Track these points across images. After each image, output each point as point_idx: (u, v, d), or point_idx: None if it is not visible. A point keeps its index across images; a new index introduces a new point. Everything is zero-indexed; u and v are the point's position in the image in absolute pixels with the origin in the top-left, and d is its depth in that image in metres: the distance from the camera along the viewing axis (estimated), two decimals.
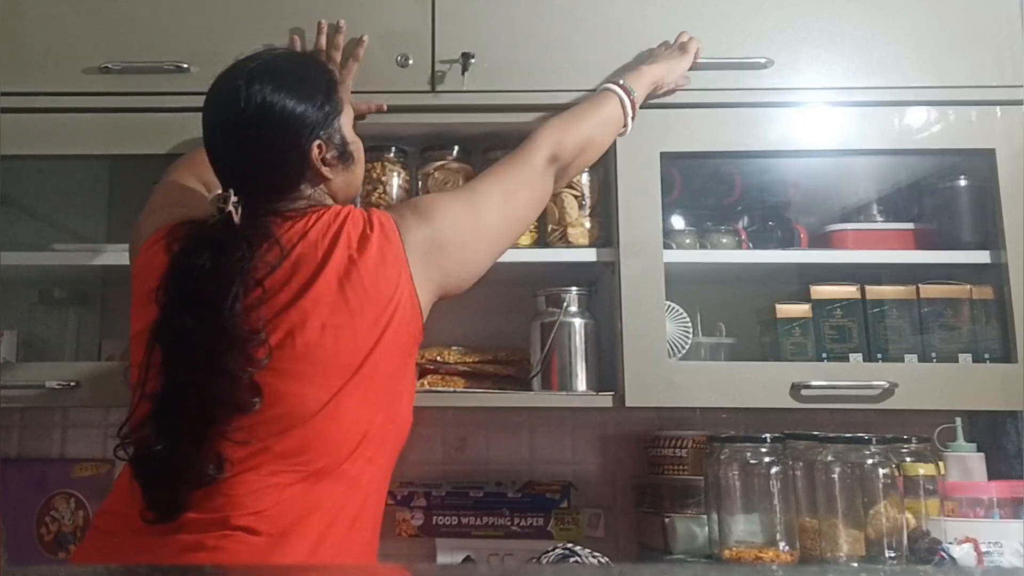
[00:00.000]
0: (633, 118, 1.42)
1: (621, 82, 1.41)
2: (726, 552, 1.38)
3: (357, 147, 1.21)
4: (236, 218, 1.07)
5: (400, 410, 1.12)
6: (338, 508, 1.03)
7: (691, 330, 1.56)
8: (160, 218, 1.18)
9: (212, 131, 1.14)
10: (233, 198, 1.07)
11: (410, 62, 1.51)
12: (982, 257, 1.50)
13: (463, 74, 1.49)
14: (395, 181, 1.58)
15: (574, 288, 1.55)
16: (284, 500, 0.99)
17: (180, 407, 1.00)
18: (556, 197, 1.57)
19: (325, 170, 1.14)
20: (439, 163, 1.58)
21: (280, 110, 1.10)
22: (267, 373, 1.01)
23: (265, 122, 1.10)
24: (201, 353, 1.00)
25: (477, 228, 1.20)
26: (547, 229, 1.59)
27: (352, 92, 1.49)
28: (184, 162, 1.35)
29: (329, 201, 1.17)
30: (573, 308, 1.54)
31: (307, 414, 1.02)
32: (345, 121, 1.18)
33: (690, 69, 1.50)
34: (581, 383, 1.52)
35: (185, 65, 1.49)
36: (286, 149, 1.11)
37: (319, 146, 1.13)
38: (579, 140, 1.33)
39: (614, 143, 1.49)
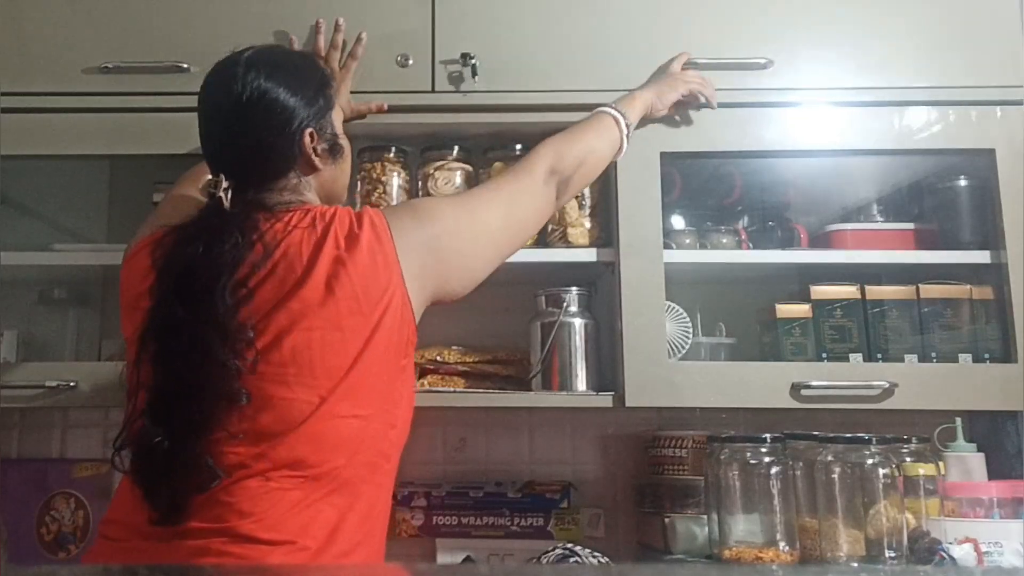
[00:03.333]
0: (628, 140, 1.40)
1: (614, 105, 1.40)
2: (726, 552, 1.38)
3: (346, 144, 1.23)
4: (226, 203, 1.08)
5: (398, 414, 1.11)
6: (340, 516, 1.02)
7: (691, 330, 1.56)
8: (146, 229, 1.19)
9: (206, 116, 1.16)
10: (224, 183, 1.09)
11: (410, 62, 1.51)
12: (982, 257, 1.50)
13: (470, 75, 1.49)
14: (395, 181, 1.58)
15: (574, 288, 1.55)
16: (286, 507, 0.99)
17: (174, 399, 1.00)
18: None
19: (315, 159, 1.15)
20: (439, 163, 1.58)
21: (274, 97, 1.12)
22: (256, 378, 1.01)
23: (259, 108, 1.12)
24: (192, 343, 1.00)
25: (476, 235, 1.19)
26: (547, 229, 1.58)
27: (352, 92, 1.50)
28: (185, 176, 1.36)
29: (314, 198, 1.18)
30: (573, 308, 1.54)
31: (298, 419, 1.01)
32: (336, 117, 1.21)
33: (689, 69, 1.50)
34: (581, 383, 1.52)
35: (185, 65, 1.49)
36: (278, 135, 1.13)
37: (311, 135, 1.14)
38: (578, 153, 1.32)
39: None
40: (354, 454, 1.04)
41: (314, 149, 1.15)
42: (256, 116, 1.12)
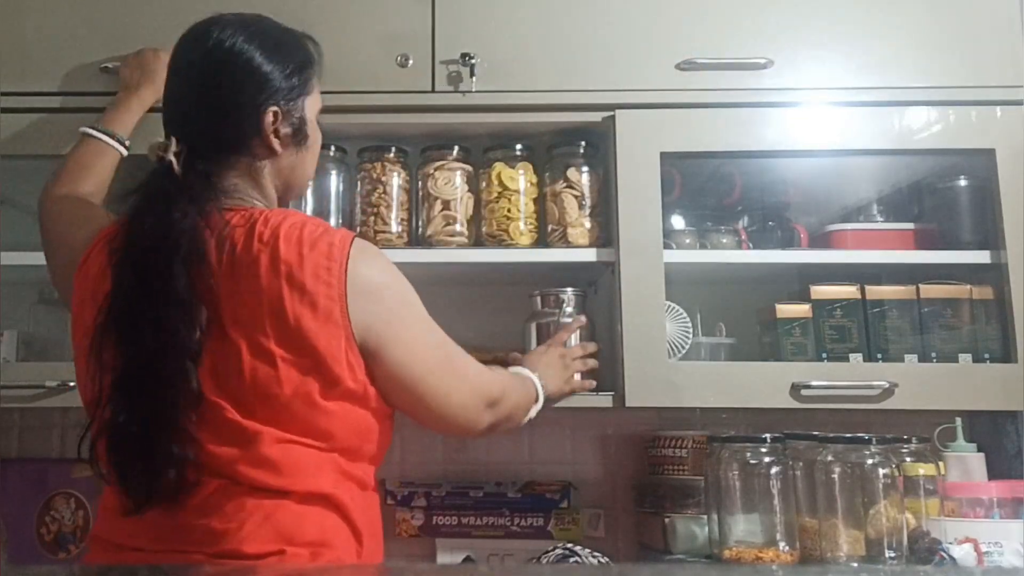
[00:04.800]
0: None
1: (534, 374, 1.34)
2: (726, 552, 1.38)
3: (315, 135, 1.15)
4: (177, 168, 1.02)
5: (366, 422, 1.04)
6: (326, 520, 1.00)
7: (691, 330, 1.56)
8: (86, 233, 1.13)
9: (172, 70, 1.10)
10: (174, 147, 1.03)
11: (410, 62, 1.51)
12: (982, 257, 1.50)
13: (469, 75, 1.49)
14: (395, 181, 1.58)
15: (570, 289, 1.56)
16: (261, 518, 0.96)
17: (139, 378, 0.96)
18: (556, 197, 1.57)
19: (275, 142, 1.07)
20: (439, 163, 1.58)
21: (245, 61, 1.05)
22: (209, 383, 0.97)
23: (226, 67, 1.05)
24: (154, 317, 0.96)
25: (435, 360, 1.10)
26: (547, 229, 1.59)
27: (352, 92, 1.49)
28: (56, 189, 1.30)
29: (269, 187, 1.10)
30: (569, 309, 1.54)
31: (250, 436, 0.97)
32: (310, 104, 1.13)
33: (689, 69, 1.50)
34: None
35: None
36: (240, 103, 1.05)
37: (274, 112, 1.06)
38: (515, 404, 1.25)
39: (613, 142, 1.49)
40: (322, 465, 1.00)
41: (275, 130, 1.07)
42: (220, 75, 1.05)
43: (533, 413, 1.31)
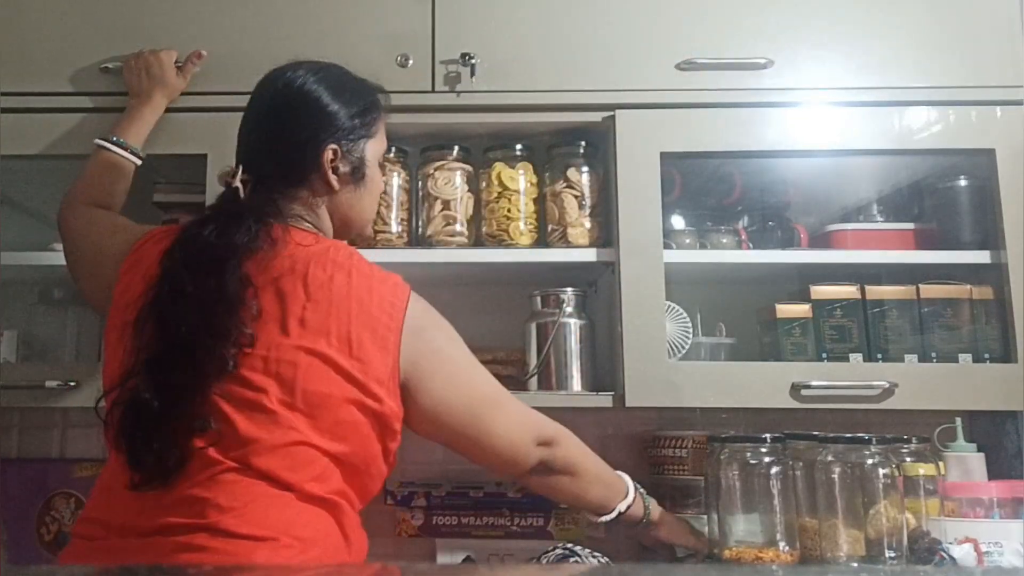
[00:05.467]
0: (626, 513, 1.32)
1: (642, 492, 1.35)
2: (726, 552, 1.38)
3: (375, 176, 1.21)
4: (243, 194, 1.10)
5: (376, 451, 1.08)
6: (325, 517, 1.02)
7: (691, 330, 1.56)
8: (130, 234, 1.19)
9: (249, 107, 1.18)
10: (241, 175, 1.10)
11: (410, 62, 1.51)
12: (982, 257, 1.50)
13: (469, 75, 1.49)
14: (395, 181, 1.58)
15: (570, 289, 1.56)
16: (266, 504, 0.98)
17: (173, 363, 1.00)
18: (556, 197, 1.57)
19: (332, 178, 1.14)
20: (439, 163, 1.58)
21: (313, 100, 1.13)
22: (245, 356, 1.01)
23: (293, 103, 1.13)
24: (198, 309, 1.01)
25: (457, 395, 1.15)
26: (547, 229, 1.59)
27: None
28: (76, 203, 1.34)
29: (326, 222, 1.17)
30: (569, 309, 1.55)
31: (280, 425, 1.01)
32: (372, 147, 1.19)
33: (689, 69, 1.50)
34: (576, 384, 1.53)
35: (183, 65, 1.49)
36: (302, 138, 1.13)
37: (334, 150, 1.14)
38: (580, 463, 1.26)
39: (613, 142, 1.49)
40: (318, 481, 1.02)
41: (335, 167, 1.14)
42: (288, 110, 1.13)
43: (621, 507, 1.30)
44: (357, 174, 1.17)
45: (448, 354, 1.14)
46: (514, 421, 1.19)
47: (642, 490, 1.36)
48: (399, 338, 1.07)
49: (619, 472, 1.34)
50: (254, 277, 1.04)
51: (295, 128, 1.13)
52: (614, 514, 1.31)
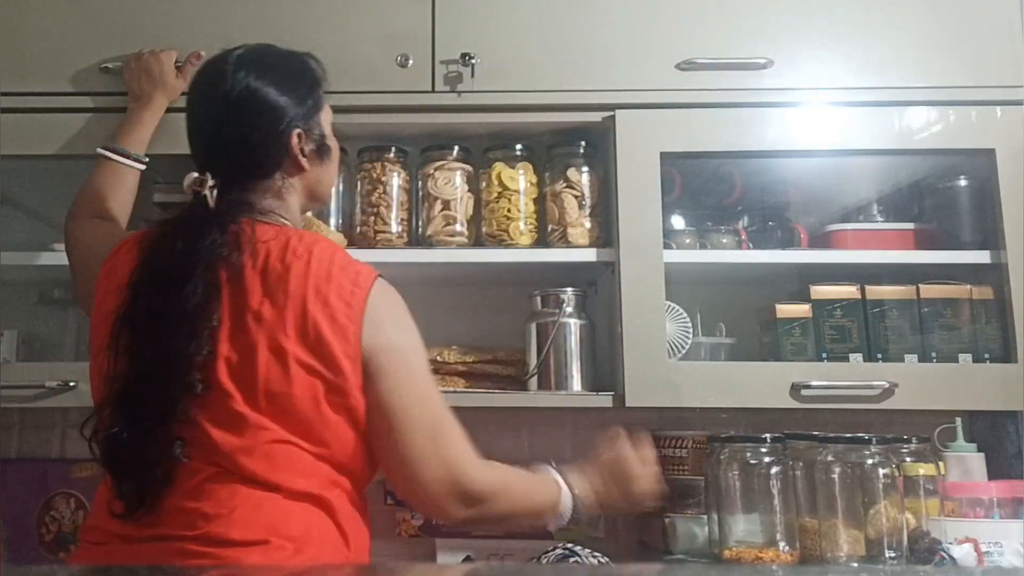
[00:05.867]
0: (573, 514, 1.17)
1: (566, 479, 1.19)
2: (726, 552, 1.38)
3: (334, 145, 1.22)
4: (211, 201, 1.08)
5: (359, 445, 1.06)
6: (315, 516, 1.02)
7: (691, 330, 1.56)
8: (113, 242, 1.17)
9: (194, 114, 1.16)
10: (210, 182, 1.09)
11: (410, 62, 1.51)
12: (982, 257, 1.50)
13: (469, 75, 1.49)
14: (395, 181, 1.58)
15: (570, 289, 1.56)
16: (253, 507, 0.98)
17: (140, 390, 1.00)
18: (556, 197, 1.58)
19: (303, 160, 1.15)
20: (439, 163, 1.58)
21: (264, 96, 1.12)
22: (215, 373, 1.00)
23: (247, 106, 1.12)
24: (161, 332, 1.00)
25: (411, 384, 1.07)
26: (547, 229, 1.59)
27: (352, 92, 1.49)
28: (79, 215, 1.33)
29: (297, 200, 1.16)
30: (569, 309, 1.55)
31: (252, 428, 1.00)
32: (324, 118, 1.20)
33: (689, 69, 1.50)
34: (576, 384, 1.53)
35: (183, 65, 1.49)
36: (266, 134, 1.12)
37: (299, 135, 1.14)
38: (512, 509, 1.14)
39: (613, 142, 1.49)
40: (308, 476, 1.01)
41: (301, 149, 1.14)
42: (244, 114, 1.12)
43: (561, 521, 1.17)
44: (323, 150, 1.18)
45: (406, 358, 1.07)
46: (443, 468, 1.06)
47: (560, 479, 1.18)
48: (359, 329, 1.03)
49: (549, 479, 1.18)
50: (222, 285, 1.02)
51: (256, 127, 1.12)
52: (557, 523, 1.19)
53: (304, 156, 1.15)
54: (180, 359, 0.99)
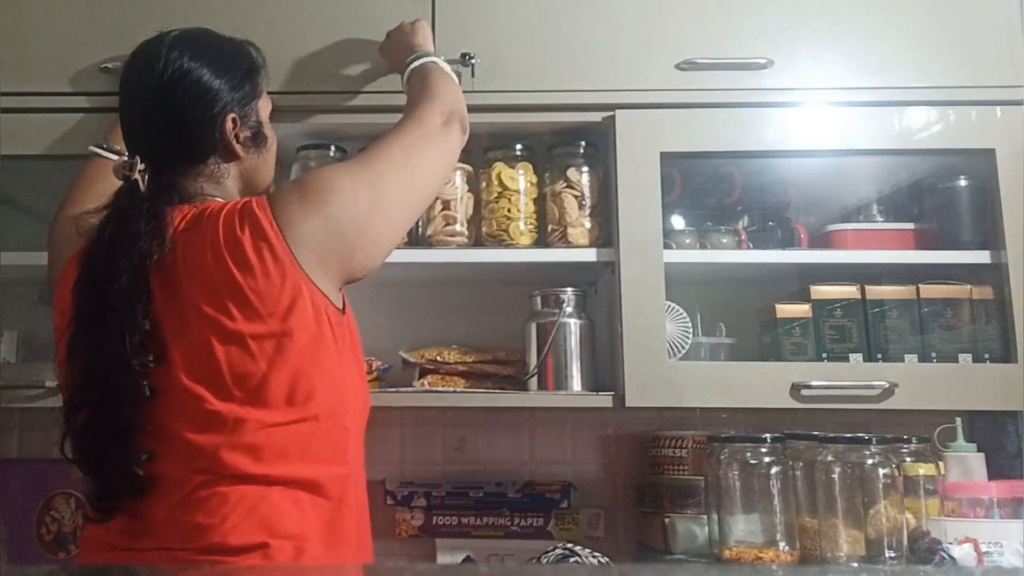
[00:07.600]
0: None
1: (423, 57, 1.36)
2: (726, 552, 1.38)
3: (271, 135, 1.20)
4: (142, 186, 1.06)
5: (341, 401, 1.05)
6: (307, 509, 1.00)
7: (691, 330, 1.56)
8: (65, 253, 1.15)
9: (126, 95, 1.14)
10: (140, 165, 1.07)
11: None
12: (982, 257, 1.50)
13: (469, 75, 1.48)
14: None
15: (570, 289, 1.56)
16: (245, 510, 0.97)
17: (84, 398, 0.99)
18: (556, 197, 1.57)
19: (237, 147, 1.13)
20: None
21: (197, 78, 1.10)
22: (166, 375, 0.99)
23: (180, 89, 1.09)
24: (96, 336, 0.99)
25: (378, 204, 1.09)
26: (547, 229, 1.59)
27: (352, 92, 1.50)
28: (78, 184, 1.33)
29: (233, 188, 1.15)
30: (569, 309, 1.55)
31: (223, 429, 0.98)
32: (262, 106, 1.19)
33: (689, 69, 1.50)
34: (576, 384, 1.53)
35: None
36: (199, 118, 1.10)
37: (233, 120, 1.12)
38: (455, 94, 1.30)
39: (613, 142, 1.49)
40: (295, 459, 1.00)
41: (236, 136, 1.13)
42: (176, 97, 1.09)
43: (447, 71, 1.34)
44: (259, 138, 1.17)
45: (346, 209, 1.06)
46: (433, 164, 1.20)
47: (434, 58, 1.36)
48: (288, 249, 1.01)
49: (435, 72, 1.33)
50: (151, 284, 1.00)
51: (189, 110, 1.09)
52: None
53: (239, 143, 1.13)
54: (121, 366, 0.97)
